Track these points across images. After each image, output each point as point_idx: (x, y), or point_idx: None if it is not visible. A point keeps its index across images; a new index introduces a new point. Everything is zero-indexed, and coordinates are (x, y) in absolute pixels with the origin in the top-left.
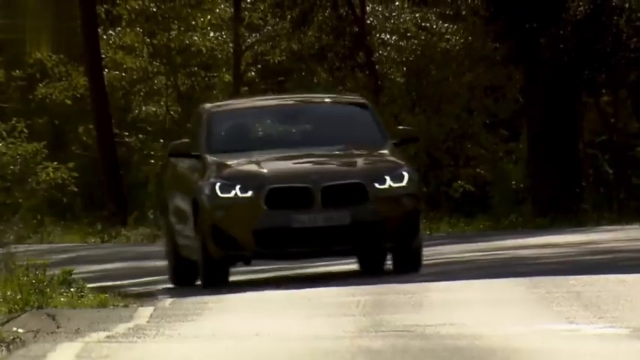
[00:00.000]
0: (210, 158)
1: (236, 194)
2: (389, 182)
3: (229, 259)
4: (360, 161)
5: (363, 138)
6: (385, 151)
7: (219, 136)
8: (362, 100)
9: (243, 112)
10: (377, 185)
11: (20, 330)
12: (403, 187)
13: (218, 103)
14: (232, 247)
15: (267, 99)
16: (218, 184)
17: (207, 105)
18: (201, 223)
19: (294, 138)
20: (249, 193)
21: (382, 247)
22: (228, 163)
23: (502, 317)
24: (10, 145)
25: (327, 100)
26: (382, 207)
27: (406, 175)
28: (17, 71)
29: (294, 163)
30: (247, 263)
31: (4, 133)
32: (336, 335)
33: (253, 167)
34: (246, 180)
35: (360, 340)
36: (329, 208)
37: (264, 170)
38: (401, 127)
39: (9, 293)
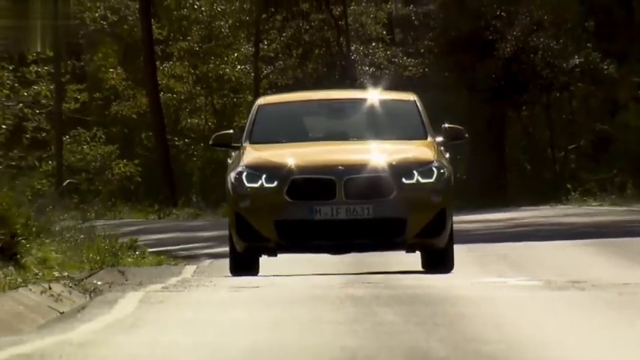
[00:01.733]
0: (246, 148)
1: (262, 184)
2: (417, 177)
3: (252, 250)
4: (390, 155)
5: (404, 133)
6: (422, 147)
7: (261, 128)
8: (408, 97)
9: (289, 105)
10: (404, 180)
11: (99, 282)
12: (431, 182)
13: (269, 96)
14: (254, 238)
15: (315, 93)
16: (245, 173)
17: (260, 98)
18: (228, 212)
19: (335, 131)
20: (274, 184)
21: (404, 242)
22: (259, 153)
23: (448, 273)
24: (92, 147)
25: (373, 95)
26: (407, 202)
27: (435, 171)
28: (97, 94)
29: (323, 155)
30: (273, 255)
31: (88, 139)
32: (329, 285)
33: (282, 158)
34: (273, 170)
35: (346, 289)
36: (352, 201)
37: (291, 161)
38: (449, 125)
39: (90, 255)
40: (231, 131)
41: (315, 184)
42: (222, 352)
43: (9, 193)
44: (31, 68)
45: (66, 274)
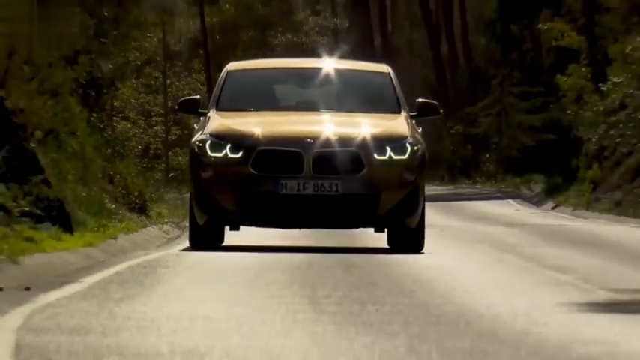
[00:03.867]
0: (212, 115)
1: (226, 154)
2: (389, 153)
3: (214, 223)
4: (363, 129)
5: (378, 106)
6: (395, 122)
7: (229, 94)
8: (383, 69)
9: (259, 72)
10: (375, 156)
11: (187, 224)
12: (404, 159)
13: (239, 62)
14: (216, 211)
15: (287, 60)
16: (209, 142)
17: (230, 63)
18: (190, 182)
19: (306, 101)
20: (239, 154)
21: (375, 221)
22: (225, 120)
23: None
24: (183, 158)
25: (347, 66)
26: (378, 179)
27: (409, 148)
28: (185, 131)
29: (291, 126)
30: (235, 229)
31: (181, 153)
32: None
33: (248, 127)
34: (238, 140)
35: (301, 234)
36: (320, 176)
37: (258, 131)
38: (422, 100)
39: (183, 211)
40: (199, 96)
41: (282, 156)
42: (240, 263)
43: (142, 181)
44: (153, 119)
45: (171, 220)
